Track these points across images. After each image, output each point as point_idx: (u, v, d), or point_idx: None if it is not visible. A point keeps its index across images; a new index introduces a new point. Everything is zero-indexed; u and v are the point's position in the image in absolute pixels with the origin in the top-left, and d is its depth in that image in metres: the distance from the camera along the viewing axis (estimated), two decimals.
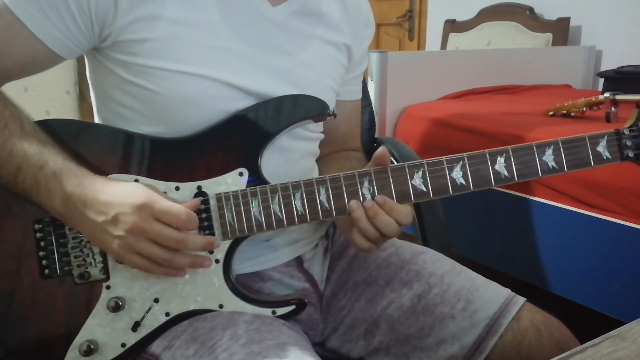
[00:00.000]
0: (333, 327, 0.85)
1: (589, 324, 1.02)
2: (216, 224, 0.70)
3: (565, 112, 1.79)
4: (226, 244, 0.71)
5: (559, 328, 0.78)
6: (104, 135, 0.73)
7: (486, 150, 0.70)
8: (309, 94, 0.75)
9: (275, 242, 0.80)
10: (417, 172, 0.70)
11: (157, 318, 0.72)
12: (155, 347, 0.72)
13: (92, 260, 0.71)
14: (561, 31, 2.78)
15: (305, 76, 0.79)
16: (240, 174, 0.71)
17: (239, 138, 0.72)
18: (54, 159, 0.67)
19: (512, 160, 0.70)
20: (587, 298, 1.47)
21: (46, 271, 0.71)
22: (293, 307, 0.74)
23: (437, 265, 0.84)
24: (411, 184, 0.70)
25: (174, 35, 0.70)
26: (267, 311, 0.73)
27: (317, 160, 0.88)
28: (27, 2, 0.67)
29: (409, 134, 1.96)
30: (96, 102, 0.80)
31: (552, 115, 1.82)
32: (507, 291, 0.82)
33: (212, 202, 0.70)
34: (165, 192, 0.70)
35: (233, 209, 0.70)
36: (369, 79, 1.98)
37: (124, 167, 0.71)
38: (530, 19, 2.90)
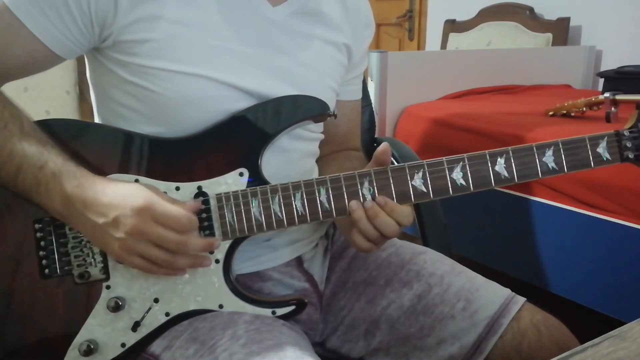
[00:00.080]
0: (333, 327, 0.85)
1: (589, 324, 1.02)
2: (216, 224, 0.70)
3: (565, 112, 1.79)
4: (226, 244, 0.71)
5: (559, 328, 0.78)
6: (104, 135, 0.73)
7: (486, 151, 0.70)
8: (309, 94, 0.75)
9: (275, 242, 0.80)
10: (418, 173, 0.70)
11: (157, 318, 0.72)
12: (155, 347, 0.72)
13: (92, 260, 0.71)
14: (561, 31, 2.78)
15: (306, 76, 0.79)
16: (241, 174, 0.71)
17: (239, 138, 0.72)
18: (53, 160, 0.67)
19: (512, 161, 0.70)
20: (587, 298, 1.47)
21: (46, 271, 0.71)
22: (293, 307, 0.74)
23: (437, 265, 0.84)
24: (411, 184, 0.70)
25: (174, 36, 0.70)
26: (267, 311, 0.73)
27: (317, 160, 0.88)
28: (27, 3, 0.67)
29: (409, 134, 1.96)
30: (96, 102, 0.80)
31: (552, 115, 1.82)
32: (507, 291, 0.82)
33: (213, 202, 0.70)
34: (165, 192, 0.70)
35: (233, 209, 0.70)
36: (369, 79, 1.98)
37: (124, 167, 0.71)
38: (530, 19, 2.89)
